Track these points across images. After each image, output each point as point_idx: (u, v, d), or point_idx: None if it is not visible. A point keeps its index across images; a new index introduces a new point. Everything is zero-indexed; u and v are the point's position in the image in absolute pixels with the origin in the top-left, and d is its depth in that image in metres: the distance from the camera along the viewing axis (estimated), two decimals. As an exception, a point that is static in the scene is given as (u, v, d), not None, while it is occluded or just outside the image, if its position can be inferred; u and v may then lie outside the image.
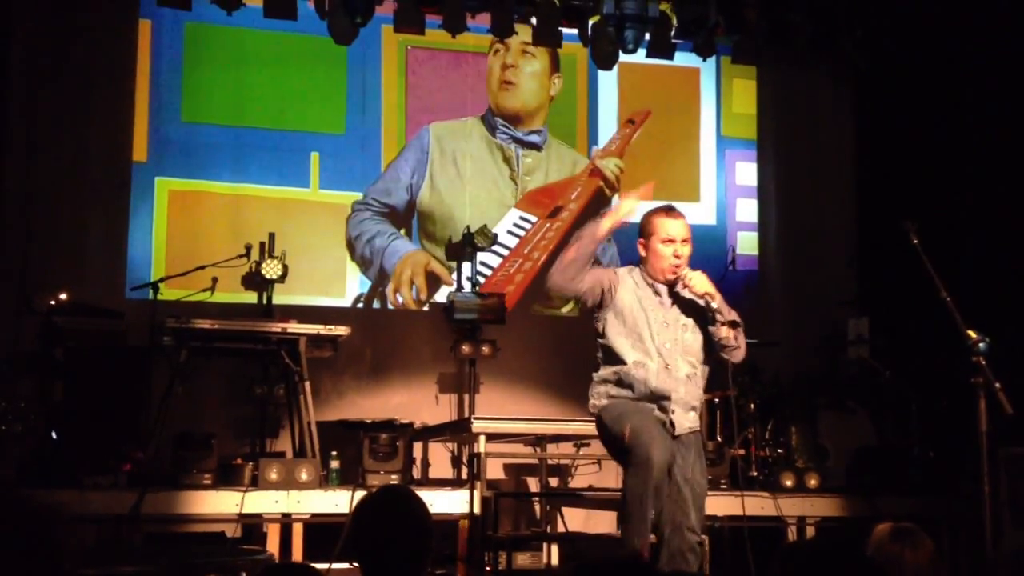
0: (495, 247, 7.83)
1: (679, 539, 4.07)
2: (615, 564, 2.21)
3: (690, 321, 4.23)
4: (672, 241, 4.24)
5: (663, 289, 4.28)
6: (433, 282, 7.85)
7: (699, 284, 4.15)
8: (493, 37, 7.85)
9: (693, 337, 4.23)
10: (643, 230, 4.35)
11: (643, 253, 4.33)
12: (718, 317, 4.14)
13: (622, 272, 4.38)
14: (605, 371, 4.29)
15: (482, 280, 7.58)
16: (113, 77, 7.36)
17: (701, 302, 4.18)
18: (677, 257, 4.22)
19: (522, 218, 8.13)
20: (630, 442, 4.04)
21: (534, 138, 8.27)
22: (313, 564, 5.62)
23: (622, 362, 4.20)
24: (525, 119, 8.29)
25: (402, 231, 7.89)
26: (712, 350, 4.26)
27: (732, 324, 4.17)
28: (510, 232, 8.06)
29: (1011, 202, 6.92)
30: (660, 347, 4.17)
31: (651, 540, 4.18)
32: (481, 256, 7.67)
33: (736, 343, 4.20)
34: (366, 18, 7.21)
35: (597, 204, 8.26)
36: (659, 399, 4.16)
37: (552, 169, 8.27)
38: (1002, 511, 5.32)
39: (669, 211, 4.35)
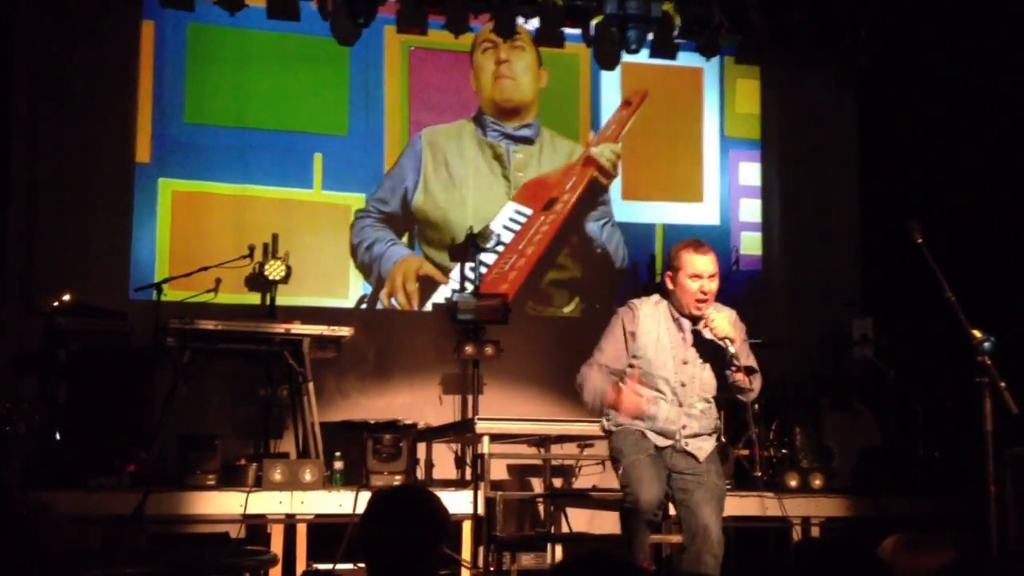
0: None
1: (701, 544, 4.13)
2: (586, 561, 2.22)
3: (708, 359, 4.29)
4: (699, 277, 4.25)
5: (687, 324, 4.32)
6: (427, 285, 7.84)
7: (721, 327, 4.19)
8: (479, 35, 7.88)
9: (710, 375, 4.30)
10: (671, 264, 4.37)
11: (670, 286, 4.35)
12: (735, 362, 4.20)
13: (644, 310, 4.37)
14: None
15: (472, 276, 7.57)
16: (116, 78, 7.36)
17: (721, 344, 4.22)
18: (704, 293, 4.25)
19: (518, 211, 8.11)
20: (622, 483, 4.23)
21: (525, 132, 8.24)
22: (317, 565, 5.66)
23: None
24: (521, 112, 8.26)
25: (403, 238, 7.88)
26: (726, 386, 4.32)
27: (748, 370, 4.24)
28: (506, 227, 8.03)
29: (1015, 201, 6.90)
30: (676, 386, 4.25)
31: (677, 541, 4.41)
32: (480, 256, 7.67)
33: (751, 387, 4.28)
34: (369, 19, 7.22)
35: (592, 194, 8.25)
36: (668, 435, 4.25)
37: (545, 161, 8.24)
38: (1008, 511, 5.30)
39: (698, 247, 4.34)
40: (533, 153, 8.23)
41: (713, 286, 4.27)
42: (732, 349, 4.18)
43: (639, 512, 4.12)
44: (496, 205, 8.07)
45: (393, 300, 7.79)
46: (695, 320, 4.30)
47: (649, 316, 4.34)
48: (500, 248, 7.94)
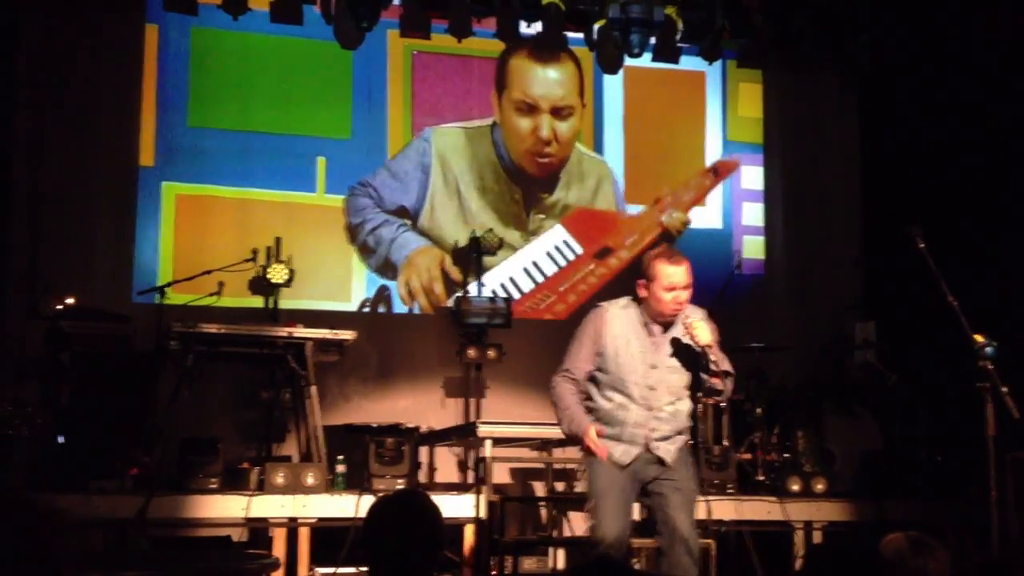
0: (531, 268, 7.76)
1: (677, 547, 4.23)
2: (593, 568, 2.22)
3: (676, 363, 4.34)
4: (674, 288, 4.29)
5: (657, 329, 4.37)
6: (448, 282, 7.77)
7: (702, 335, 4.24)
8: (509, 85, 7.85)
9: (678, 377, 4.35)
10: (645, 273, 4.38)
11: (643, 294, 4.38)
12: (713, 368, 4.25)
13: (612, 312, 4.42)
14: (592, 404, 4.43)
15: (503, 293, 7.48)
16: (120, 82, 7.38)
17: (699, 350, 4.27)
18: (678, 303, 4.31)
19: (567, 243, 7.93)
20: (592, 516, 4.32)
21: (552, 180, 8.07)
22: (319, 569, 5.66)
23: (607, 402, 4.35)
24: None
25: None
26: (699, 387, 4.38)
27: (725, 374, 4.32)
28: (550, 254, 7.90)
29: (1017, 205, 6.90)
30: (644, 391, 4.30)
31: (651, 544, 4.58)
32: (511, 272, 7.63)
33: (724, 389, 4.37)
34: (372, 23, 7.22)
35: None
36: (638, 440, 4.31)
37: (573, 191, 8.10)
38: (1009, 515, 5.30)
39: (671, 256, 4.38)
40: (560, 187, 8.09)
41: (686, 296, 4.32)
42: (713, 356, 4.23)
43: (601, 544, 4.21)
44: (507, 248, 7.86)
45: (409, 289, 7.65)
46: (667, 326, 4.35)
47: (617, 318, 4.38)
48: (532, 271, 7.80)
